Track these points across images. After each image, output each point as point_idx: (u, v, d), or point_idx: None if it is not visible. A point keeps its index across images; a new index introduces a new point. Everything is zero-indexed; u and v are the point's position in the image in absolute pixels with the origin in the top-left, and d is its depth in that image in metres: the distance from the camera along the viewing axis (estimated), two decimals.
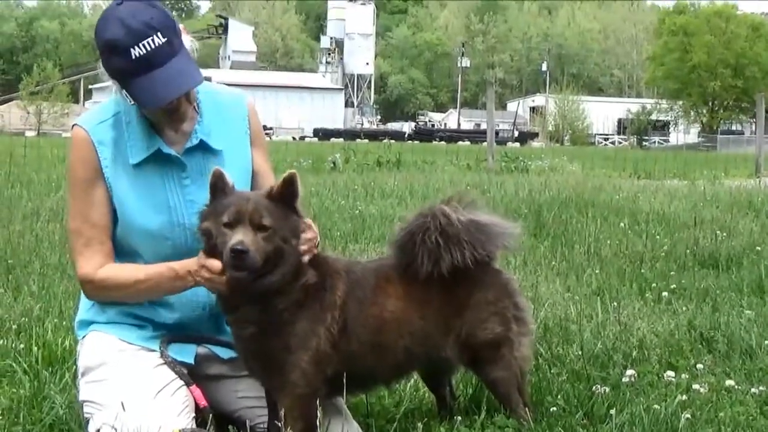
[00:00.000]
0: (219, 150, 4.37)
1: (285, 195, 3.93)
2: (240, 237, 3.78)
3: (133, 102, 4.11)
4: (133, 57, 3.97)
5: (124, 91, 4.11)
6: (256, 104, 4.69)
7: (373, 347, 4.11)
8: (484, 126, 64.21)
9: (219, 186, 3.94)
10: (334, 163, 27.64)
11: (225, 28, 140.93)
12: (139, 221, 4.26)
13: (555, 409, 4.61)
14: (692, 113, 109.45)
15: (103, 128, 4.27)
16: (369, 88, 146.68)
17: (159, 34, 4.00)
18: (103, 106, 4.39)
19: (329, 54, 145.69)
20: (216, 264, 3.92)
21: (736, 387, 5.07)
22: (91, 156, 4.25)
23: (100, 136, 4.26)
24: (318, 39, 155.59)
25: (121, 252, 4.33)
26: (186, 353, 4.36)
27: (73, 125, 4.36)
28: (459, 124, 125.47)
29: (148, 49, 3.98)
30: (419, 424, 4.17)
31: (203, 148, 4.34)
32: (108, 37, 4.00)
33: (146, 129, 4.27)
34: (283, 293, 3.94)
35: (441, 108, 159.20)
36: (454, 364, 4.42)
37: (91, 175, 4.25)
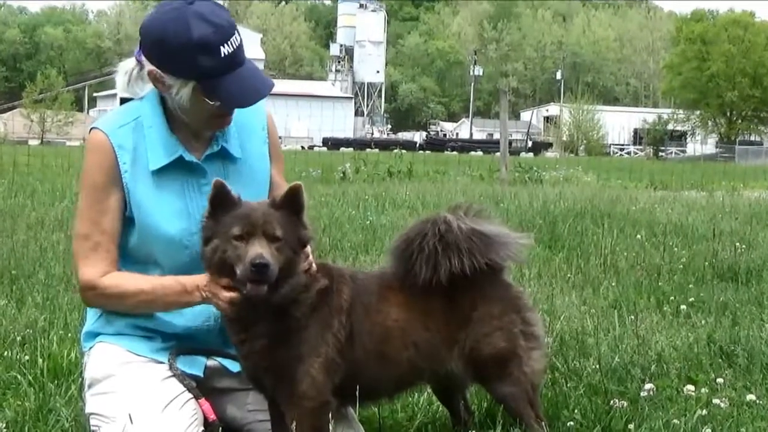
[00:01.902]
0: (238, 158, 4.37)
1: (290, 205, 3.92)
2: (259, 250, 3.77)
3: (215, 102, 4.09)
4: (223, 55, 3.99)
5: (188, 92, 4.09)
6: None
7: (378, 357, 4.11)
8: (497, 136, 64.23)
9: (223, 196, 3.91)
10: (344, 173, 27.67)
11: None
12: (158, 228, 4.25)
13: (572, 423, 4.60)
14: (710, 123, 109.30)
15: (123, 132, 4.25)
16: (379, 96, 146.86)
17: (237, 32, 4.07)
18: (123, 109, 4.37)
19: (339, 62, 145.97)
20: (231, 296, 3.94)
21: (757, 402, 5.06)
22: (109, 161, 4.22)
23: (121, 141, 4.24)
24: (327, 46, 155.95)
25: (138, 259, 4.32)
26: (195, 366, 4.36)
27: (91, 128, 4.32)
28: (471, 134, 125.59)
29: (234, 47, 4.03)
30: None
31: (223, 155, 4.34)
32: (198, 36, 3.97)
33: (167, 134, 4.26)
34: (298, 302, 3.95)
35: (453, 117, 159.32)
36: (462, 379, 4.41)
37: (108, 180, 4.23)
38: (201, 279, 4.06)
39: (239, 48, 4.05)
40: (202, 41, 3.97)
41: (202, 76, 4.06)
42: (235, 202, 3.91)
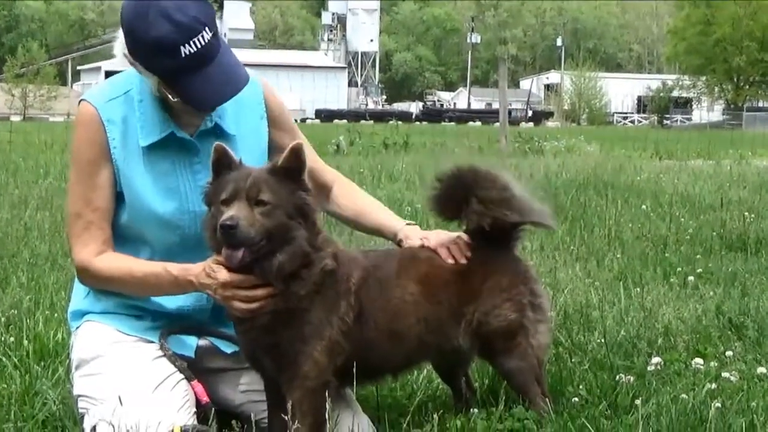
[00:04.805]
0: (232, 135, 4.34)
1: (290, 168, 3.91)
2: (231, 212, 3.76)
3: (177, 100, 4.08)
4: (183, 56, 3.92)
5: (153, 86, 4.10)
6: None
7: (390, 334, 4.13)
8: (495, 105, 64.27)
9: (224, 162, 3.92)
10: (338, 146, 27.69)
11: (220, 5, 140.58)
12: (149, 206, 4.23)
13: (577, 399, 4.61)
14: (716, 90, 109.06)
15: (112, 106, 4.23)
16: (374, 66, 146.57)
17: (207, 28, 3.96)
18: (113, 82, 4.35)
19: (331, 31, 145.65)
20: (247, 279, 3.92)
21: None
22: (99, 135, 4.20)
23: (110, 115, 4.21)
24: (319, 15, 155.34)
25: (127, 238, 4.31)
26: (186, 346, 4.35)
27: (80, 100, 4.29)
28: (469, 104, 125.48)
29: (198, 46, 3.93)
30: (435, 417, 4.16)
31: (217, 132, 4.31)
32: (155, 36, 3.91)
33: (159, 109, 4.23)
34: (301, 277, 3.93)
35: (450, 87, 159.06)
36: (468, 355, 4.43)
37: (98, 156, 4.21)
38: (196, 271, 4.04)
39: (206, 46, 3.96)
40: (159, 42, 3.92)
41: (163, 75, 4.04)
42: (234, 166, 3.92)
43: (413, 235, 4.46)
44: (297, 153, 3.91)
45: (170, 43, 3.91)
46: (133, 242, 4.31)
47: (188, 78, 3.98)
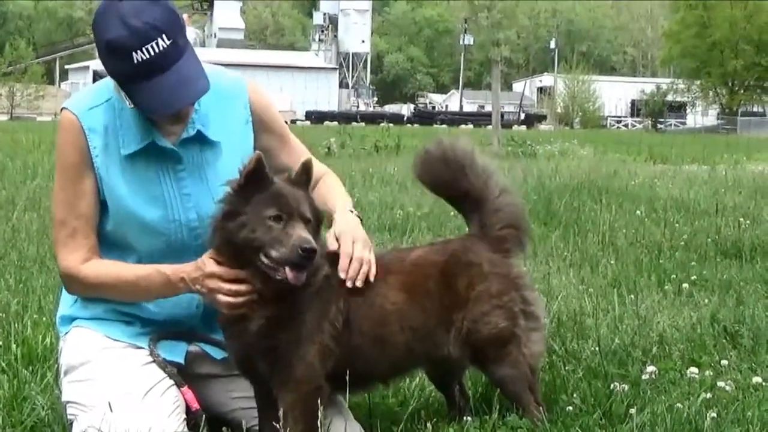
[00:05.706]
0: (217, 141, 4.33)
1: (305, 181, 4.02)
2: (305, 234, 3.80)
3: (132, 105, 4.09)
4: (135, 61, 3.92)
5: (122, 92, 4.09)
6: None
7: (375, 341, 4.14)
8: (488, 108, 64.30)
9: (260, 174, 3.90)
10: (328, 148, 27.65)
11: (210, 4, 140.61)
12: (134, 214, 4.23)
13: (571, 408, 4.60)
14: (711, 94, 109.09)
15: (94, 114, 4.22)
16: (365, 67, 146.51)
17: (164, 35, 3.94)
18: (95, 89, 4.35)
19: (322, 31, 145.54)
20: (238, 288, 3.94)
21: (763, 384, 5.05)
22: (80, 143, 4.20)
23: (91, 123, 4.21)
24: (310, 15, 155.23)
25: (113, 245, 4.31)
26: (176, 352, 4.35)
27: (62, 108, 4.30)
28: (461, 106, 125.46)
29: (152, 53, 3.92)
30: (428, 425, 4.17)
31: (200, 139, 4.30)
32: (108, 38, 3.93)
33: (141, 118, 4.21)
34: (308, 284, 3.95)
35: (442, 89, 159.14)
36: (459, 363, 4.42)
37: (81, 163, 4.21)
38: (188, 269, 4.06)
39: (161, 53, 3.94)
40: (112, 45, 3.94)
41: (116, 78, 4.07)
42: (269, 181, 3.93)
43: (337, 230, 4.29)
44: (308, 169, 4.05)
45: (122, 48, 3.92)
46: (120, 249, 4.31)
47: (140, 84, 3.98)
